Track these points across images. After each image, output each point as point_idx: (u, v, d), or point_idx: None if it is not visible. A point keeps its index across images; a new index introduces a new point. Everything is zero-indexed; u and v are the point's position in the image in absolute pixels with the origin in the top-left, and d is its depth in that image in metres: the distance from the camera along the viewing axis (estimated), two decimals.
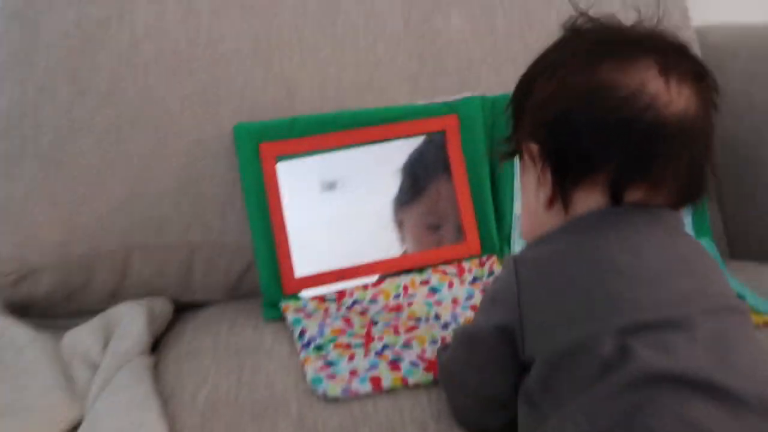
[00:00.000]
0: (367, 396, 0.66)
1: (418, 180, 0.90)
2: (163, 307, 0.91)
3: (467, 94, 0.91)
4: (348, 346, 0.72)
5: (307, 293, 0.84)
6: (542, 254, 0.57)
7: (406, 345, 0.72)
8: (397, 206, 0.89)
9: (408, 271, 0.87)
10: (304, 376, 0.69)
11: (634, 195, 0.56)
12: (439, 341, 0.72)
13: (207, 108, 0.89)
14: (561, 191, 0.58)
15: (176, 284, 0.92)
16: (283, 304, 0.83)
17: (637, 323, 0.49)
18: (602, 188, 0.56)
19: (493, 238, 0.90)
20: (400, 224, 0.89)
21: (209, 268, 0.92)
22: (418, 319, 0.78)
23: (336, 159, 0.88)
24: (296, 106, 0.90)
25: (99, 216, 0.87)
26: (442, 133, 0.90)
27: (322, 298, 0.84)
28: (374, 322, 0.77)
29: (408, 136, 0.89)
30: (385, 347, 0.72)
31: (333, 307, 0.82)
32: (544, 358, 0.52)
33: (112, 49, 0.88)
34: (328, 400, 0.65)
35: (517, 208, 0.91)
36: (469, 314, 0.79)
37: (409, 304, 0.81)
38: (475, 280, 0.86)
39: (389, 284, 0.85)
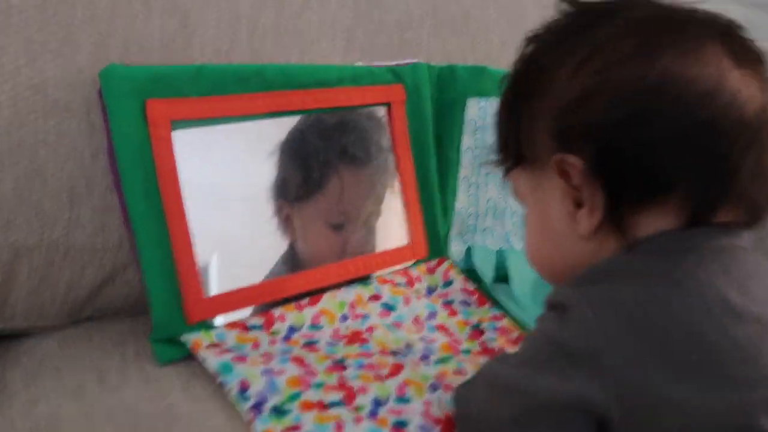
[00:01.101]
0: None
1: (315, 166, 0.67)
2: None
3: (411, 60, 0.73)
4: (322, 405, 0.51)
5: (218, 320, 0.59)
6: (624, 294, 0.42)
7: (401, 398, 0.53)
8: (280, 198, 0.65)
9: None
10: None
11: (719, 215, 0.45)
12: (439, 385, 0.54)
13: (51, 39, 0.56)
14: (615, 216, 0.44)
15: None
16: (191, 339, 0.56)
17: None
18: (675, 208, 0.43)
19: (440, 238, 0.74)
20: (286, 219, 0.67)
21: (42, 283, 0.60)
22: (394, 354, 0.59)
23: (257, 130, 0.63)
24: (193, 51, 0.62)
25: None
26: (386, 106, 0.71)
27: (243, 326, 0.59)
28: (341, 364, 0.56)
29: (346, 107, 0.68)
30: (377, 404, 0.52)
31: (263, 338, 0.59)
32: None
33: None
34: None
35: (461, 202, 0.77)
36: (442, 339, 0.63)
37: (369, 330, 0.62)
38: (430, 291, 0.70)
39: (329, 301, 0.64)
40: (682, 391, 0.38)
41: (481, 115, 0.77)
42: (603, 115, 0.43)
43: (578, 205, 0.45)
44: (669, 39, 0.44)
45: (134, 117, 0.56)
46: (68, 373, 0.56)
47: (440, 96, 0.75)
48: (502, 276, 0.77)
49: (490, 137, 0.78)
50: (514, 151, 0.50)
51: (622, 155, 0.43)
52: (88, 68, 0.57)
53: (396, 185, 0.72)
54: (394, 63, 0.72)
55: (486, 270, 0.75)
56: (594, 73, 0.44)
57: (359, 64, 0.70)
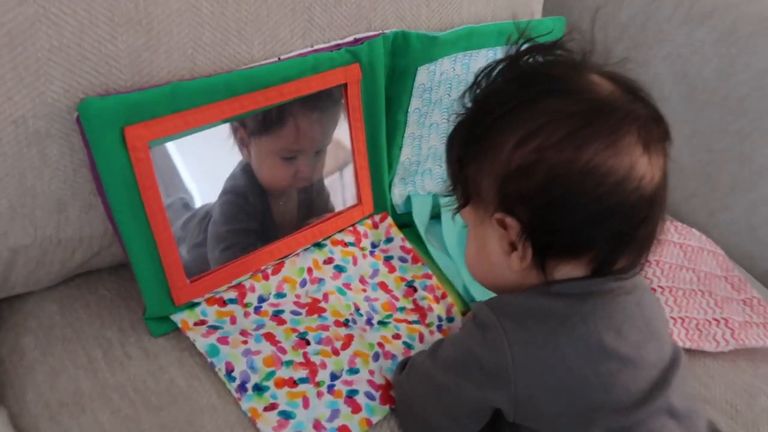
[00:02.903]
0: None
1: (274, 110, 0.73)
2: None
3: (366, 34, 0.74)
4: (293, 382, 0.67)
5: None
6: (531, 334, 0.57)
7: (352, 369, 0.70)
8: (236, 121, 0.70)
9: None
10: None
11: (617, 266, 0.59)
12: (380, 353, 0.71)
13: (23, 75, 0.56)
14: (540, 263, 0.57)
15: None
16: (180, 319, 0.69)
17: (630, 413, 0.56)
18: (584, 262, 0.57)
19: (385, 194, 0.84)
20: (241, 141, 0.73)
21: (38, 266, 0.68)
22: (346, 322, 0.74)
23: (222, 132, 0.67)
24: (160, 61, 0.62)
25: None
26: (343, 86, 0.75)
27: (220, 300, 0.72)
28: (304, 338, 0.71)
29: (306, 94, 0.72)
30: (333, 377, 0.68)
31: (239, 311, 0.72)
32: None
33: None
34: None
35: (405, 155, 0.85)
36: (383, 297, 0.78)
37: (326, 298, 0.75)
38: (373, 247, 0.83)
39: (290, 268, 0.76)
40: (557, 405, 0.56)
41: (429, 78, 0.82)
42: (537, 191, 0.54)
43: (512, 246, 0.58)
44: (595, 129, 0.53)
45: (114, 144, 0.60)
46: (77, 345, 0.68)
47: (393, 63, 0.79)
48: (436, 214, 0.90)
49: (436, 95, 0.84)
50: (463, 193, 0.60)
51: (549, 227, 0.55)
52: (63, 97, 0.59)
53: (347, 148, 0.80)
54: (351, 38, 0.74)
55: (422, 217, 0.88)
56: (532, 151, 0.54)
57: (318, 45, 0.72)
